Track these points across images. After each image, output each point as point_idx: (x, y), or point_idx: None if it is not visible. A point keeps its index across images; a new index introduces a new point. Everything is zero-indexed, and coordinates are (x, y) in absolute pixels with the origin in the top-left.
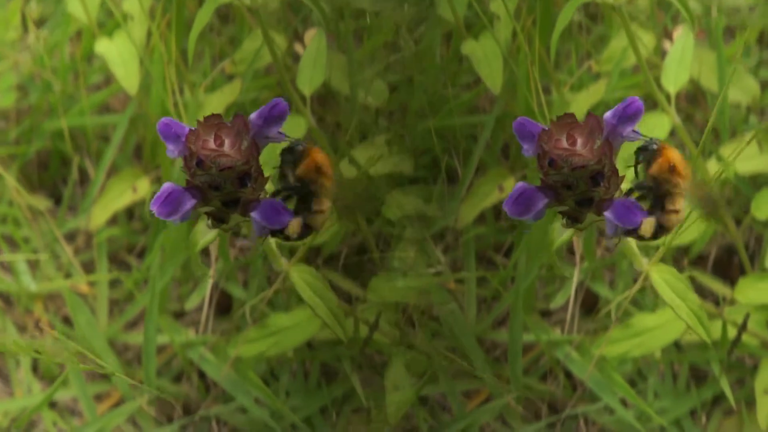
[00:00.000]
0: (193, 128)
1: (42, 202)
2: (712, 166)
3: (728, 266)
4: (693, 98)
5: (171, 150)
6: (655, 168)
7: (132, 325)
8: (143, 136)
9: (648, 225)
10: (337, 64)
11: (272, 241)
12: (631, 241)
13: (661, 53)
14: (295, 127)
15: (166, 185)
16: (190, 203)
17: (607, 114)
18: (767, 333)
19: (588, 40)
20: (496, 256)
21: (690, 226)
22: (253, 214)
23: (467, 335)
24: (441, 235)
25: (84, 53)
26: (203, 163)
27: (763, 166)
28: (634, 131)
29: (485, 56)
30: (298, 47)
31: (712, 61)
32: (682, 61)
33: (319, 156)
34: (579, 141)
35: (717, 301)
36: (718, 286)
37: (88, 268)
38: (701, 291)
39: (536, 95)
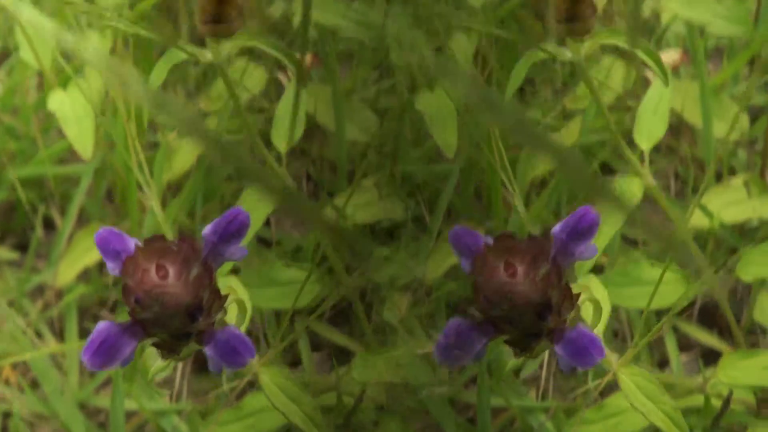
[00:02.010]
0: (131, 254)
1: (6, 254)
2: (696, 217)
3: (715, 313)
4: (676, 130)
5: (112, 268)
6: None
7: (105, 384)
8: (113, 181)
9: None
10: (323, 96)
11: None
12: None
13: (643, 82)
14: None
15: (101, 326)
16: (130, 347)
17: (556, 228)
18: (753, 399)
19: (563, 70)
20: (469, 308)
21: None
22: (207, 350)
23: (437, 396)
24: (408, 287)
25: (43, 99)
26: (143, 302)
27: (751, 212)
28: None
29: (438, 113)
30: (281, 77)
31: (696, 91)
32: (658, 112)
33: None
34: (520, 271)
35: (704, 352)
36: (704, 336)
37: (59, 323)
38: (686, 342)
39: (497, 152)
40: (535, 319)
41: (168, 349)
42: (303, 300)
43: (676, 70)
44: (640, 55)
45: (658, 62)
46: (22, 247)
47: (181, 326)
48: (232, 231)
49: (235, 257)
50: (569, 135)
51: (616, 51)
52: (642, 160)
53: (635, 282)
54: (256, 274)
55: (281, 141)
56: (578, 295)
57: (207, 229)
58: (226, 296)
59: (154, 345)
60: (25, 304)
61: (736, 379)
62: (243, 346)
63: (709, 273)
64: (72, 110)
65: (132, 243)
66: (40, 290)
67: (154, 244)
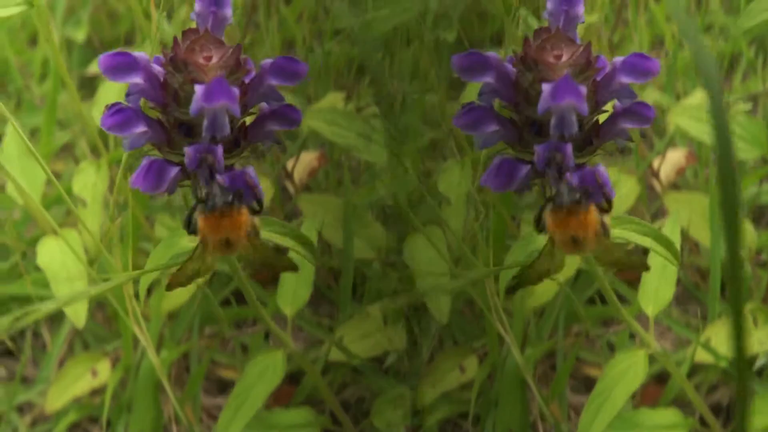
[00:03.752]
0: None
1: None
2: (699, 353)
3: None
4: (684, 236)
5: None
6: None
7: None
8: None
9: None
10: (330, 207)
11: None
12: None
13: (648, 191)
14: (269, 361)
15: None
16: None
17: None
18: None
19: None
20: (464, 422)
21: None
22: None
23: None
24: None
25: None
26: None
27: (758, 346)
28: None
29: (429, 263)
30: (288, 185)
31: (701, 202)
32: (665, 274)
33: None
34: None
35: None
36: None
37: None
38: None
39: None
40: None
41: None
42: None
43: (682, 172)
44: (650, 244)
45: (670, 247)
46: (11, 353)
47: None
48: None
49: None
50: (572, 260)
51: (624, 167)
52: (647, 327)
53: (635, 426)
54: (256, 417)
55: (287, 305)
56: None
57: None
58: None
59: None
60: (13, 418)
61: None
62: None
63: (712, 421)
64: (63, 268)
65: None
66: (30, 405)
67: None
